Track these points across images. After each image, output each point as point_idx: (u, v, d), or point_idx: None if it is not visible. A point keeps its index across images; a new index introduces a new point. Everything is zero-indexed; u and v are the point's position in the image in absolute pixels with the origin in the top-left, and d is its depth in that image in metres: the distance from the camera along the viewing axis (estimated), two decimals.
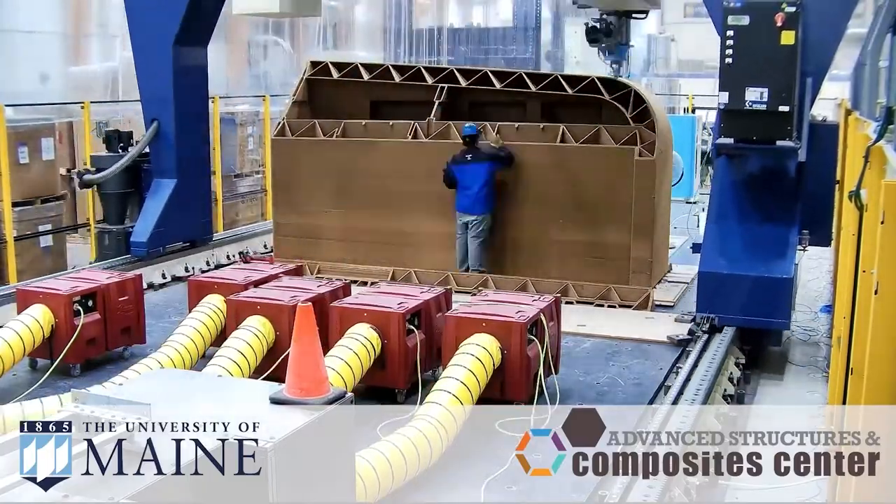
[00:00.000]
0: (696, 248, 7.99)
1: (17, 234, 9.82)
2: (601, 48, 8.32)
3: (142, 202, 9.85)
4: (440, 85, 9.08)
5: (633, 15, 8.34)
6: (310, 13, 9.94)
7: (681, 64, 30.48)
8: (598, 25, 8.09)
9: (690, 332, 7.13)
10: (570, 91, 8.53)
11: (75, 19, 14.38)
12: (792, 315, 7.37)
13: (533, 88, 8.69)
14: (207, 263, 10.05)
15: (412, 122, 9.08)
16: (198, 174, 10.19)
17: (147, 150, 9.84)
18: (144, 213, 9.69)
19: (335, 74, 9.56)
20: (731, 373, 6.55)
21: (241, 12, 9.97)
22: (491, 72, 8.97)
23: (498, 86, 8.80)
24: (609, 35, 8.13)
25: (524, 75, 8.79)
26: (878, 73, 7.80)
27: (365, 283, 8.67)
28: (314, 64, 9.77)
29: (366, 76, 9.43)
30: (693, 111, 17.47)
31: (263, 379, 5.64)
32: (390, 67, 9.40)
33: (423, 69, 9.28)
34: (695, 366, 6.30)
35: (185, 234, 10.12)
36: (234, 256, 10.47)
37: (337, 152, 9.38)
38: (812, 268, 9.71)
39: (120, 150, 9.96)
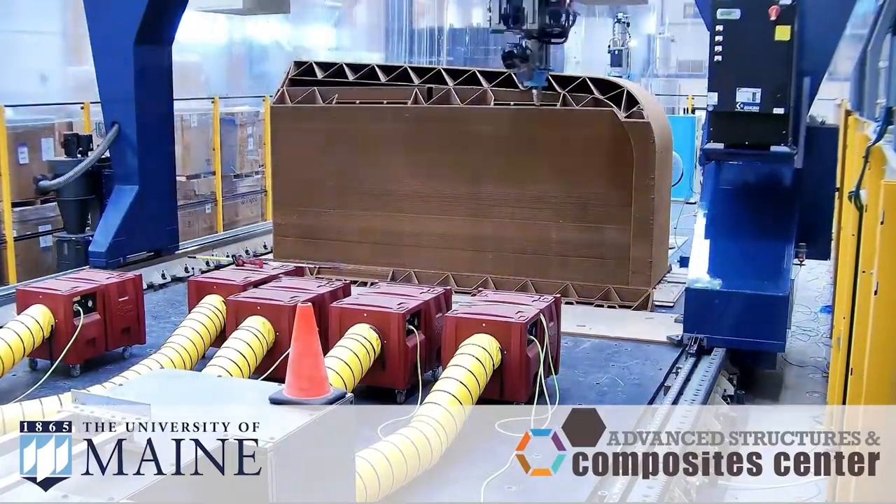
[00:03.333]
0: (683, 261, 7.57)
1: (17, 234, 9.82)
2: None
3: (103, 209, 9.44)
4: (428, 85, 9.04)
5: (553, 40, 8.28)
6: (275, 11, 9.68)
7: (680, 64, 30.51)
8: (514, 50, 8.02)
9: (682, 344, 6.82)
10: (560, 91, 8.50)
11: (75, 19, 14.37)
12: (788, 335, 6.87)
13: (522, 88, 8.66)
14: (207, 264, 10.03)
15: (412, 86, 9.00)
16: (162, 180, 9.73)
17: (108, 154, 9.46)
18: (104, 221, 9.27)
19: (319, 75, 9.46)
20: (725, 389, 6.40)
21: (202, 9, 9.70)
22: (479, 72, 8.93)
23: (486, 86, 8.78)
24: (525, 60, 8.02)
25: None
26: (878, 74, 7.76)
27: (365, 284, 8.68)
28: (298, 64, 9.65)
29: (351, 76, 9.35)
30: (693, 112, 17.47)
31: (263, 379, 5.65)
32: (376, 68, 9.34)
33: (409, 69, 9.20)
34: (694, 367, 6.28)
35: (149, 243, 9.66)
36: (231, 257, 10.43)
37: (337, 122, 9.27)
38: (812, 268, 9.70)
39: (79, 155, 9.57)
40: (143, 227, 9.46)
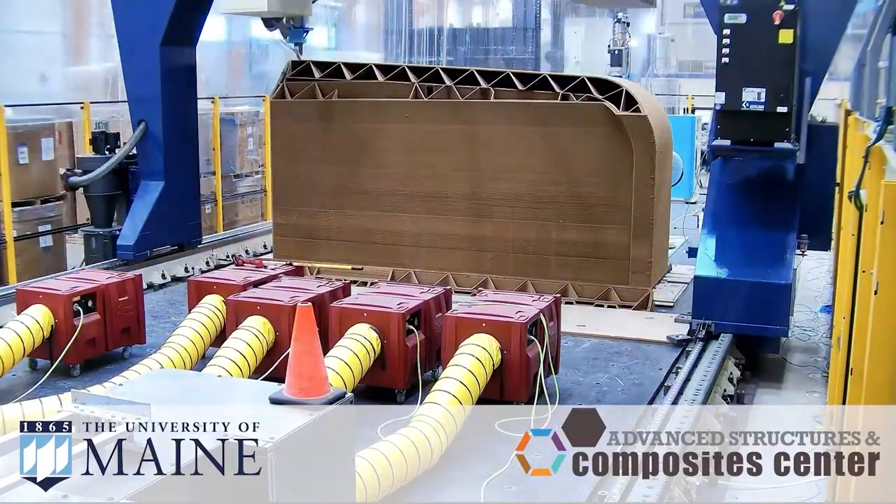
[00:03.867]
0: (692, 252, 7.84)
1: (17, 234, 9.82)
2: (280, 33, 8.50)
3: (129, 205, 9.71)
4: (427, 84, 9.01)
5: None
6: (299, 13, 9.77)
7: (681, 64, 30.51)
8: None
9: (690, 332, 7.06)
10: (559, 90, 8.48)
11: (75, 19, 14.39)
12: (791, 321, 7.19)
13: (520, 87, 8.63)
14: (207, 264, 10.04)
15: (412, 82, 8.99)
16: (186, 176, 10.03)
17: (134, 151, 9.71)
18: (131, 216, 9.55)
19: (316, 74, 9.42)
20: (731, 373, 6.52)
21: (229, 12, 9.80)
22: (477, 71, 8.91)
23: (484, 85, 8.76)
24: (279, 19, 8.25)
25: (511, 75, 8.74)
26: (877, 74, 7.77)
27: (364, 284, 8.68)
28: (295, 63, 9.62)
29: (348, 76, 9.32)
30: (693, 111, 17.48)
31: (263, 379, 5.64)
32: (373, 67, 9.32)
33: (407, 69, 9.18)
34: (694, 366, 6.28)
35: (174, 237, 9.96)
36: (231, 257, 10.42)
37: (337, 121, 9.27)
38: (812, 268, 9.70)
39: (107, 152, 9.80)
40: (168, 221, 9.72)
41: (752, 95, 6.61)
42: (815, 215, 7.33)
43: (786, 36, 6.53)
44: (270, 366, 5.93)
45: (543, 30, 28.61)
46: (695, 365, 6.27)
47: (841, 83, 13.94)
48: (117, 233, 9.59)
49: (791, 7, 6.50)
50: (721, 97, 6.71)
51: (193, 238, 10.26)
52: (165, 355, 6.09)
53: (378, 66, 9.34)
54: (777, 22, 6.50)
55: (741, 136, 6.86)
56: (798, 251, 7.32)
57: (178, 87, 9.70)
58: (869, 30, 8.02)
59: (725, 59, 6.66)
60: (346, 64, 9.45)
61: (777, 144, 6.83)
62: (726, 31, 6.63)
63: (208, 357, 6.16)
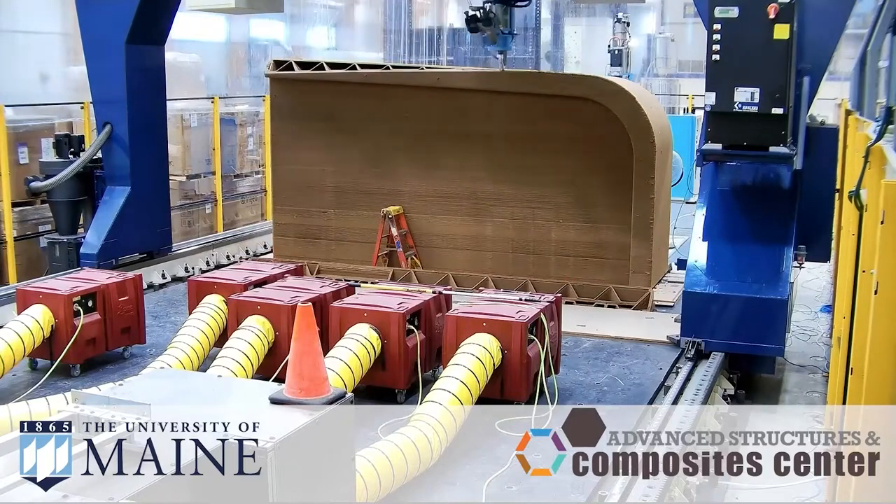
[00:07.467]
0: (681, 264, 7.51)
1: (17, 234, 9.82)
2: (483, 38, 8.06)
3: (95, 211, 9.31)
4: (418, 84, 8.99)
5: (517, 3, 8.10)
6: (268, 10, 9.61)
7: (681, 64, 30.50)
8: (477, 14, 7.77)
9: (679, 349, 6.75)
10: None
11: (75, 19, 14.39)
12: (787, 339, 6.78)
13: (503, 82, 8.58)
14: (207, 263, 10.04)
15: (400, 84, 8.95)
16: (154, 181, 9.57)
17: (100, 155, 9.33)
18: (96, 222, 9.13)
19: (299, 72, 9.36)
20: (725, 390, 6.36)
21: (196, 8, 9.62)
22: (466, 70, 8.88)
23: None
24: (489, 23, 7.80)
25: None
26: (878, 74, 7.76)
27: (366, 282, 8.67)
28: (277, 63, 9.54)
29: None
30: (693, 111, 17.49)
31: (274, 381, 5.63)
32: (357, 66, 9.25)
33: (391, 68, 9.15)
34: (692, 371, 6.24)
35: (141, 244, 9.49)
36: (233, 256, 10.43)
37: (336, 121, 9.25)
38: (812, 268, 9.70)
39: (70, 156, 9.48)
40: (135, 228, 9.30)
41: (746, 96, 6.18)
42: (813, 224, 6.91)
43: (782, 31, 6.09)
44: (272, 366, 5.93)
45: (543, 30, 28.59)
46: (682, 389, 5.91)
47: (841, 83, 13.92)
48: (82, 240, 9.17)
49: (787, 0, 6.08)
50: (712, 97, 6.26)
51: (163, 245, 9.78)
52: (174, 356, 6.07)
53: (362, 65, 9.29)
54: (772, 16, 6.06)
55: (734, 139, 6.40)
56: (795, 263, 6.90)
57: (145, 87, 9.26)
58: (869, 30, 8.01)
59: (716, 57, 6.21)
60: (329, 63, 9.37)
61: (772, 148, 6.38)
62: (717, 27, 6.16)
63: (211, 357, 6.16)
